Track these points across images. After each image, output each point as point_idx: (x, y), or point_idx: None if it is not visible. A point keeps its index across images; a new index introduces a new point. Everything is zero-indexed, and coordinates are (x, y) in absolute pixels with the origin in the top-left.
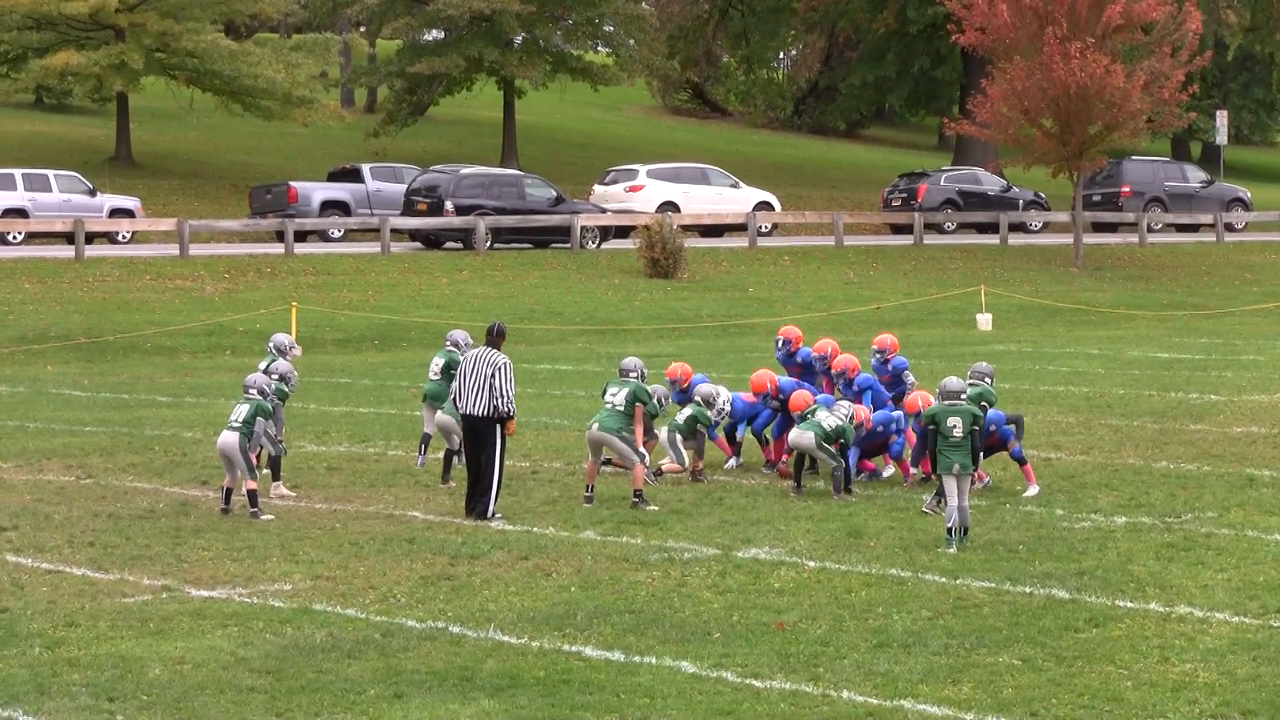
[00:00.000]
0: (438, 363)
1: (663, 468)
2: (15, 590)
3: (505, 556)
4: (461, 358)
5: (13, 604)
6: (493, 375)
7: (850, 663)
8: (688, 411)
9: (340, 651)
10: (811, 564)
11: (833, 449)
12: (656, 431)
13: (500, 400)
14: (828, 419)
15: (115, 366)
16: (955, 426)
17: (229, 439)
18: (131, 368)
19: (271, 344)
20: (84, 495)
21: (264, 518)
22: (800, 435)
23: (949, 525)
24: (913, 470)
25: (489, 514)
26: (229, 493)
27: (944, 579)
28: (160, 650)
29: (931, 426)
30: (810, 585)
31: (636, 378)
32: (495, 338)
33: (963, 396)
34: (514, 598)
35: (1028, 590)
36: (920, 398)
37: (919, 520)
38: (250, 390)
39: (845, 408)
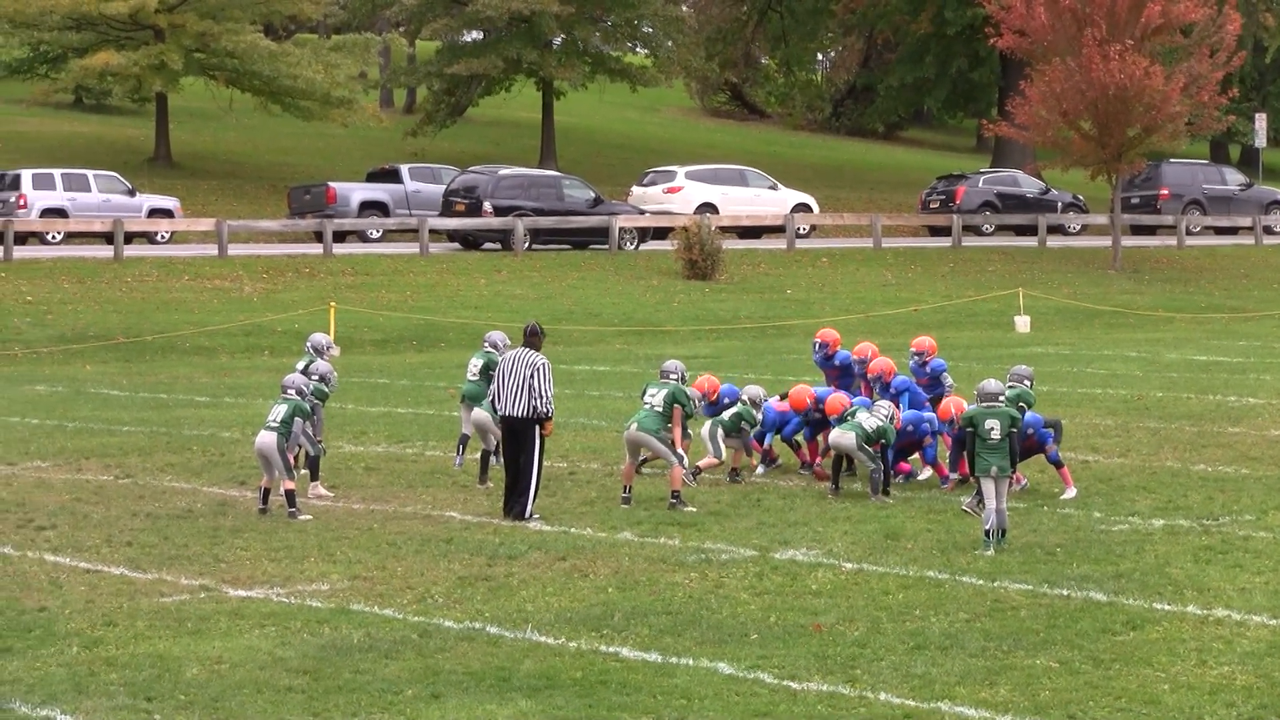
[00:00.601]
0: (476, 363)
1: (700, 466)
2: (53, 589)
3: (542, 557)
4: (500, 359)
5: (51, 603)
6: (531, 376)
7: (887, 664)
8: (734, 409)
9: (377, 652)
10: (849, 566)
11: (872, 450)
12: (691, 431)
13: (539, 401)
14: (868, 420)
15: (153, 366)
16: (993, 429)
17: (267, 439)
18: (170, 368)
19: (309, 344)
20: (122, 495)
21: (302, 518)
22: (841, 436)
23: (986, 527)
24: (951, 475)
25: (527, 514)
26: (267, 493)
27: (981, 581)
28: (198, 650)
29: (970, 429)
30: (847, 587)
31: (676, 379)
32: (532, 338)
33: (1001, 399)
34: (551, 598)
35: (1065, 593)
36: (954, 404)
37: (956, 522)
38: (289, 390)
39: (885, 408)
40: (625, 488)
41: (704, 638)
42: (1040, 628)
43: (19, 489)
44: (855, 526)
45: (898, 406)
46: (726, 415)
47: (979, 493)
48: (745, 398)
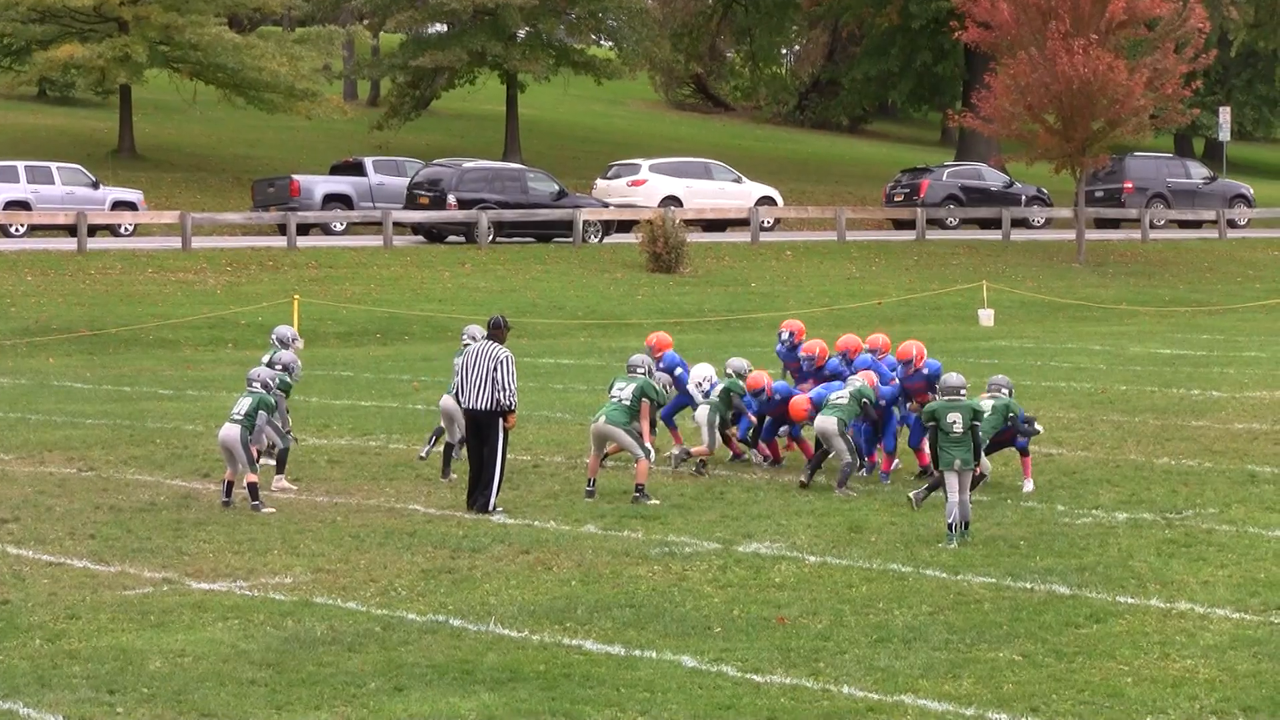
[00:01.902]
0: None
1: (691, 451)
2: (16, 582)
3: (506, 550)
4: (463, 352)
5: (14, 596)
6: (494, 369)
7: (851, 658)
8: (721, 386)
9: (341, 645)
10: (812, 559)
11: (850, 441)
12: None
13: (502, 393)
14: (841, 398)
15: (117, 359)
16: (955, 422)
17: (230, 431)
18: (133, 360)
19: (274, 336)
20: (85, 488)
21: (265, 510)
22: (824, 421)
23: (950, 520)
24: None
25: (490, 507)
26: (230, 486)
27: (945, 574)
28: (161, 643)
29: (931, 422)
30: (811, 580)
31: (644, 373)
32: (496, 331)
33: (963, 392)
34: (515, 591)
35: (1028, 586)
36: (867, 378)
37: (920, 516)
38: (254, 384)
39: (856, 380)
40: (590, 480)
41: (667, 631)
42: (1003, 621)
43: None
44: (819, 520)
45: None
46: (717, 395)
47: (929, 486)
48: (731, 371)
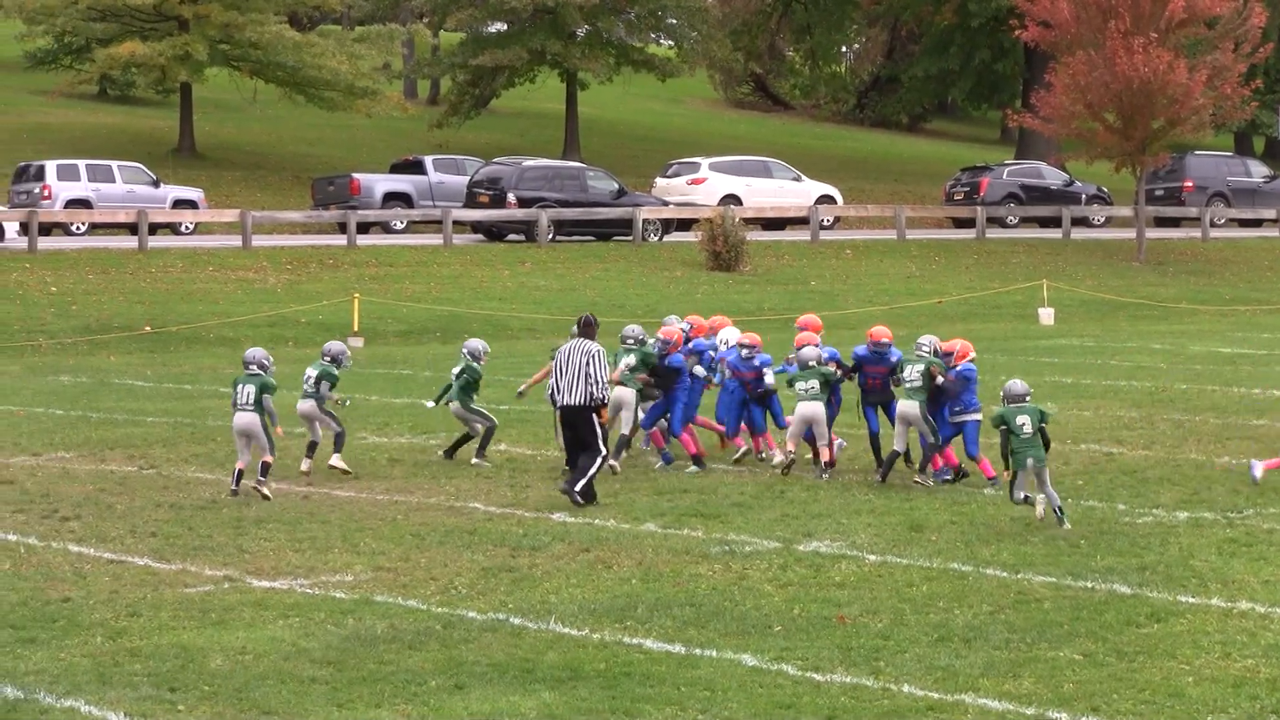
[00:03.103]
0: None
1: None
2: (78, 580)
3: (566, 548)
4: (555, 352)
5: (75, 594)
6: (587, 364)
7: (911, 657)
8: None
9: (401, 643)
10: (873, 558)
11: (933, 422)
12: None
13: (595, 387)
14: (914, 380)
15: (178, 357)
16: (1024, 424)
17: (247, 417)
18: (194, 358)
19: (326, 352)
20: (146, 485)
21: (266, 492)
22: (907, 405)
23: (1056, 507)
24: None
25: (576, 494)
26: (240, 475)
27: (1005, 573)
28: (222, 640)
29: (1003, 425)
30: (871, 579)
31: (634, 344)
32: (587, 329)
33: (1028, 398)
34: (575, 590)
35: (1089, 585)
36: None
37: (980, 514)
38: (251, 366)
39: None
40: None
41: (728, 629)
42: (1064, 620)
43: (44, 480)
44: (879, 519)
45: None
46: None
47: (1013, 484)
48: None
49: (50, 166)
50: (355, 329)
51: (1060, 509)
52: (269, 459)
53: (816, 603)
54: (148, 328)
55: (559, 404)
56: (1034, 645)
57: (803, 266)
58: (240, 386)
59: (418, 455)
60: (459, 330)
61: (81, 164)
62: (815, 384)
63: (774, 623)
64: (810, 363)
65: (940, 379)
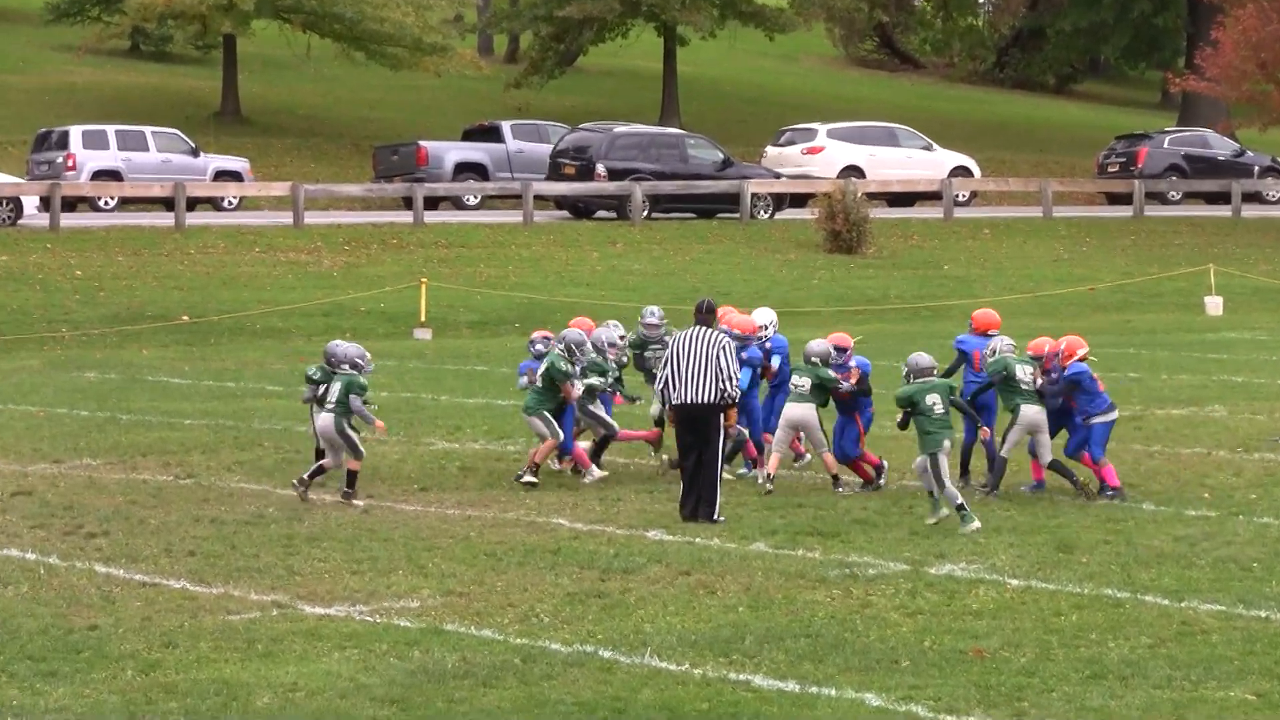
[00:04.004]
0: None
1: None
2: (105, 605)
3: (664, 571)
4: (671, 340)
5: (103, 621)
6: (717, 356)
7: (1059, 696)
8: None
9: (475, 678)
10: (1014, 583)
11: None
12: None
13: (728, 383)
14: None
15: (220, 350)
16: (935, 403)
17: (325, 420)
18: (238, 352)
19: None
20: (183, 497)
21: (357, 503)
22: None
23: (957, 503)
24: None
25: (716, 515)
26: (317, 472)
27: (1167, 601)
28: (269, 675)
29: (909, 407)
30: (1013, 607)
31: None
32: (708, 315)
33: (934, 373)
34: (673, 618)
35: (1263, 614)
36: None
37: (1138, 533)
38: (342, 365)
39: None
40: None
41: (849, 664)
42: (1235, 655)
43: (66, 490)
44: (1022, 538)
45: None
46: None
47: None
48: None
49: (75, 133)
50: (422, 319)
51: (962, 506)
52: (355, 465)
53: (950, 634)
54: (185, 317)
55: (679, 401)
56: (1200, 684)
57: (934, 248)
58: (325, 384)
59: (493, 463)
60: (540, 320)
61: (110, 130)
62: (808, 384)
63: (901, 657)
64: (813, 359)
65: (846, 385)
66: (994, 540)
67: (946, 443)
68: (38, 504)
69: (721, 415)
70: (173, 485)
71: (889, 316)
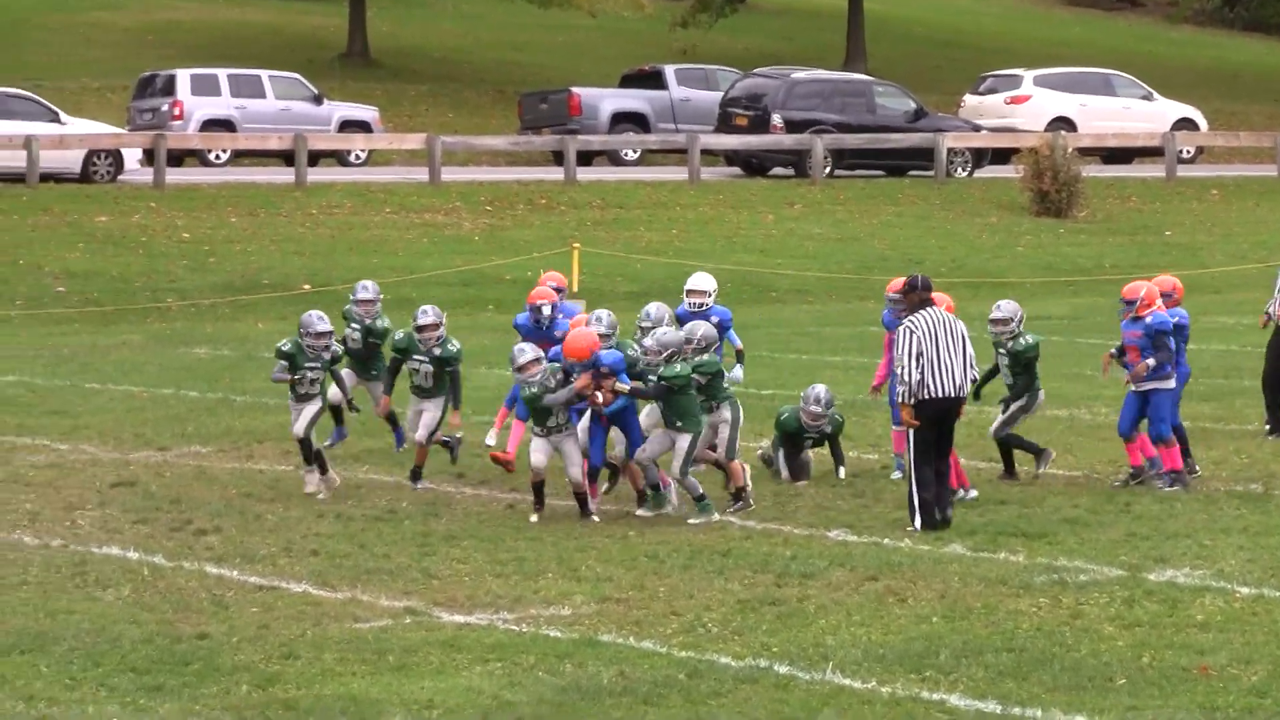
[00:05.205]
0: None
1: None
2: (218, 611)
3: (847, 576)
4: (910, 326)
5: (215, 629)
6: (965, 343)
7: None
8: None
9: (634, 695)
10: (1245, 590)
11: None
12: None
13: (974, 369)
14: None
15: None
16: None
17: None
18: None
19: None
20: (299, 491)
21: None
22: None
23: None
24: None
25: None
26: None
27: None
28: (402, 691)
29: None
30: (1243, 619)
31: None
32: (926, 292)
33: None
34: (858, 629)
35: None
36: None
37: None
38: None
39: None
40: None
41: (1056, 682)
42: None
43: (173, 482)
44: (1254, 540)
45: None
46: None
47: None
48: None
49: (182, 77)
50: (574, 289)
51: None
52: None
53: (1172, 649)
54: (306, 286)
55: (942, 394)
56: None
57: (1155, 211)
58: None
59: None
60: None
61: (222, 74)
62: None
63: (1116, 674)
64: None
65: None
66: (1222, 542)
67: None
68: (141, 496)
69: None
70: (292, 476)
71: (1102, 289)
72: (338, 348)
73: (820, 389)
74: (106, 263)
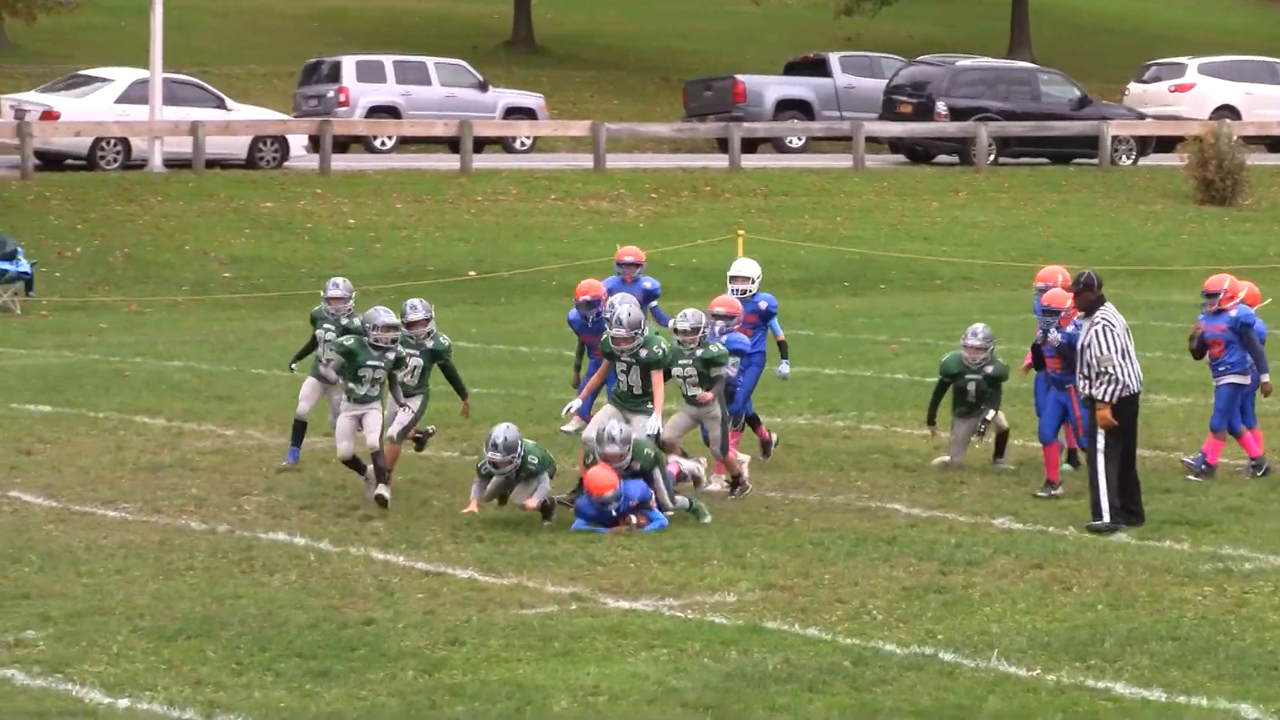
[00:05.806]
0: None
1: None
2: (384, 597)
3: (1012, 563)
4: (1110, 323)
5: (381, 615)
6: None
7: None
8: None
9: (799, 682)
10: None
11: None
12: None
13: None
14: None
15: (511, 311)
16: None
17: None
18: (532, 312)
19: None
20: (469, 476)
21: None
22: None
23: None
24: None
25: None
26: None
27: None
28: (567, 677)
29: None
30: None
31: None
32: (1091, 290)
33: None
34: (1023, 617)
35: None
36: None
37: None
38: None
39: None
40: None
41: (1221, 671)
42: None
43: (338, 468)
44: None
45: None
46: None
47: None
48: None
49: (348, 64)
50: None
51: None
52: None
53: None
54: (472, 273)
55: (1135, 391)
56: None
57: None
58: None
59: (820, 440)
60: (873, 279)
61: (387, 61)
62: (695, 373)
63: None
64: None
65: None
66: None
67: None
68: (308, 482)
69: None
70: (458, 463)
71: (1268, 277)
72: (404, 350)
73: (980, 325)
74: (272, 248)
